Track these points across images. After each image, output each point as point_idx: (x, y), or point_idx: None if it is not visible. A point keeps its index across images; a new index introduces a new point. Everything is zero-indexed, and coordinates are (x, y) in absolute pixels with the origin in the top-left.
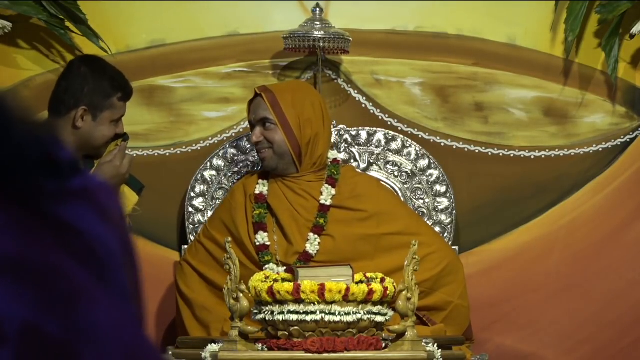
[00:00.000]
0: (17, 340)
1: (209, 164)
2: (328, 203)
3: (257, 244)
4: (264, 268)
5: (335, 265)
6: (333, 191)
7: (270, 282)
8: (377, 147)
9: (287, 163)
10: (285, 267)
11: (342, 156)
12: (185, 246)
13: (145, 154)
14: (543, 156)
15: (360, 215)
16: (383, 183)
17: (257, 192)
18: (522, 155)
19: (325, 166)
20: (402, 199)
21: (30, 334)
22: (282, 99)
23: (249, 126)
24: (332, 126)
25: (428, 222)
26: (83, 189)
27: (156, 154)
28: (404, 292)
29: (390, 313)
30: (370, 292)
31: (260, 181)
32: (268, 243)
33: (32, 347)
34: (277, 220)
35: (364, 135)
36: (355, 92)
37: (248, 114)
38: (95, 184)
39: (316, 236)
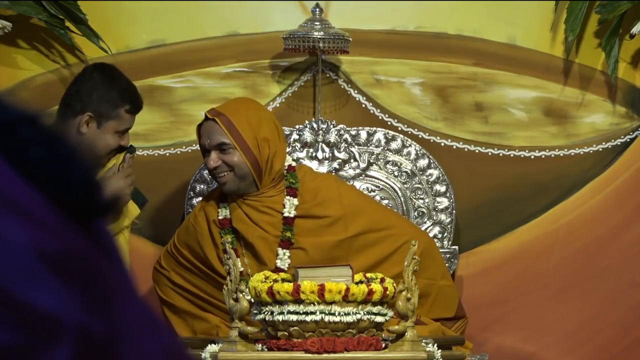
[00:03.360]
0: (74, 339)
1: None
2: (292, 215)
3: None
4: None
5: (335, 265)
6: (295, 201)
7: (270, 282)
8: (377, 147)
9: (248, 184)
10: None
11: (342, 156)
12: None
13: (145, 154)
14: (543, 156)
15: (327, 221)
16: (343, 180)
17: (220, 217)
18: (522, 155)
19: (282, 177)
20: (402, 198)
21: (83, 334)
22: (237, 121)
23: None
24: (286, 139)
25: (428, 222)
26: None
27: (156, 154)
28: (403, 293)
29: (390, 313)
30: (370, 292)
31: (220, 205)
32: (241, 269)
33: (85, 347)
34: (245, 243)
35: (363, 135)
36: (355, 92)
37: (199, 139)
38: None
39: (285, 250)
